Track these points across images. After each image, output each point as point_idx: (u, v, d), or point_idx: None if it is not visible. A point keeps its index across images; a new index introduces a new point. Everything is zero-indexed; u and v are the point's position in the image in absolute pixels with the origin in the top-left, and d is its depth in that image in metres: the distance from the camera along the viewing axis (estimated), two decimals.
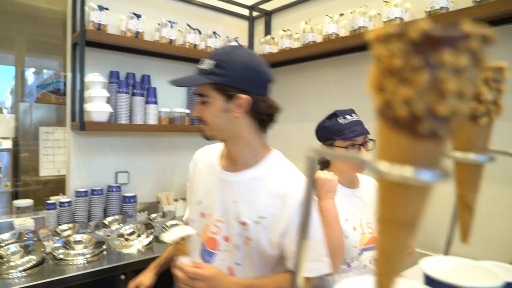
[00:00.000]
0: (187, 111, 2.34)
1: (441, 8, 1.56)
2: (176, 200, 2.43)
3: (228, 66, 0.97)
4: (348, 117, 1.32)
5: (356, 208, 1.35)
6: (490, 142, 0.36)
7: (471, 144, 0.35)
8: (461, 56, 0.20)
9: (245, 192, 1.04)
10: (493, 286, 0.42)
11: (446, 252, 0.54)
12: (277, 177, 1.03)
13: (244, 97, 0.97)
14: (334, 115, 1.35)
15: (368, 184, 1.47)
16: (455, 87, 0.21)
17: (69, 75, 2.02)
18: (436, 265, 0.48)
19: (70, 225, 1.95)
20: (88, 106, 1.92)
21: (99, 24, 1.89)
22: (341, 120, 1.31)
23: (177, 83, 1.03)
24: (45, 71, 3.90)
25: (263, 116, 1.02)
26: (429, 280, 0.45)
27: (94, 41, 1.92)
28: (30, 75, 3.82)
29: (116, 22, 2.07)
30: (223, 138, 1.06)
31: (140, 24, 2.03)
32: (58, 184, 2.83)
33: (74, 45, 1.97)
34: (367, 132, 1.31)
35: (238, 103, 0.98)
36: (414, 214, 0.24)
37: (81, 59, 1.86)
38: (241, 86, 0.97)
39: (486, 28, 0.21)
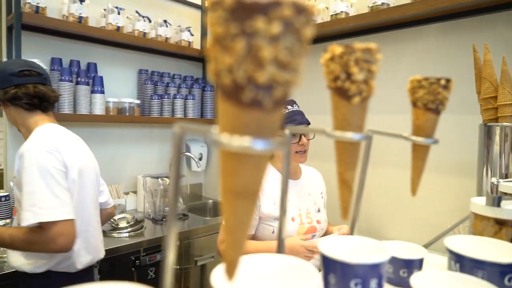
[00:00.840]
0: (137, 101, 2.27)
1: (382, 4, 1.62)
2: (126, 193, 2.37)
3: None
4: (289, 107, 1.35)
5: (296, 199, 1.39)
6: (365, 121, 0.38)
7: (346, 123, 0.37)
8: (274, 24, 0.20)
9: None
10: (376, 262, 0.44)
11: (352, 232, 0.56)
12: (26, 142, 1.23)
13: None
14: None
15: (310, 175, 1.51)
16: (271, 55, 0.21)
17: (4, 60, 1.89)
18: (336, 244, 0.50)
19: (7, 220, 1.84)
20: None
21: (37, 7, 1.78)
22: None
23: None
24: None
25: (18, 100, 1.25)
26: (323, 257, 0.46)
27: (31, 25, 1.81)
28: None
29: (57, 6, 1.96)
30: (18, 128, 1.33)
31: (84, 9, 1.94)
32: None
33: (9, 29, 1.84)
34: (307, 122, 1.34)
35: None
36: (250, 184, 0.24)
37: (17, 44, 1.74)
38: None
39: None
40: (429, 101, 0.46)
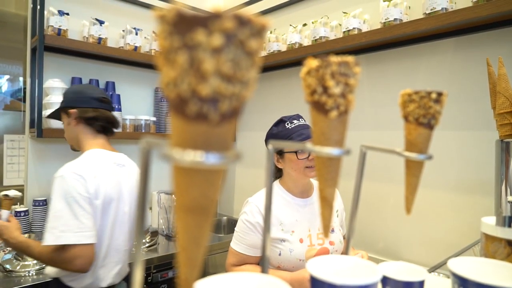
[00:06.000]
0: (153, 118, 2.32)
1: (395, 19, 1.61)
2: None
3: (64, 95, 1.44)
4: (295, 121, 1.30)
5: (306, 218, 1.32)
6: (345, 136, 0.37)
7: (324, 138, 0.36)
8: (214, 36, 0.20)
9: None
10: (364, 283, 0.42)
11: (346, 252, 0.54)
12: (63, 167, 1.30)
13: (72, 110, 1.39)
14: (281, 121, 1.33)
15: None
16: (213, 68, 0.20)
17: (28, 80, 1.98)
18: (326, 264, 0.48)
19: (26, 235, 1.89)
20: (46, 113, 1.88)
21: (59, 29, 1.87)
22: (288, 125, 1.30)
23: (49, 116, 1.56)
24: (21, 78, 3.81)
25: (92, 120, 1.39)
26: (310, 277, 0.44)
27: (54, 46, 1.90)
28: (4, 83, 3.71)
29: (78, 28, 2.05)
30: (74, 145, 1.47)
31: (103, 30, 2.02)
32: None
33: (33, 50, 1.94)
34: None
35: (71, 116, 1.39)
36: (201, 199, 0.23)
37: (40, 64, 1.83)
38: (70, 105, 1.40)
39: (242, 9, 0.21)
40: (420, 115, 0.45)
